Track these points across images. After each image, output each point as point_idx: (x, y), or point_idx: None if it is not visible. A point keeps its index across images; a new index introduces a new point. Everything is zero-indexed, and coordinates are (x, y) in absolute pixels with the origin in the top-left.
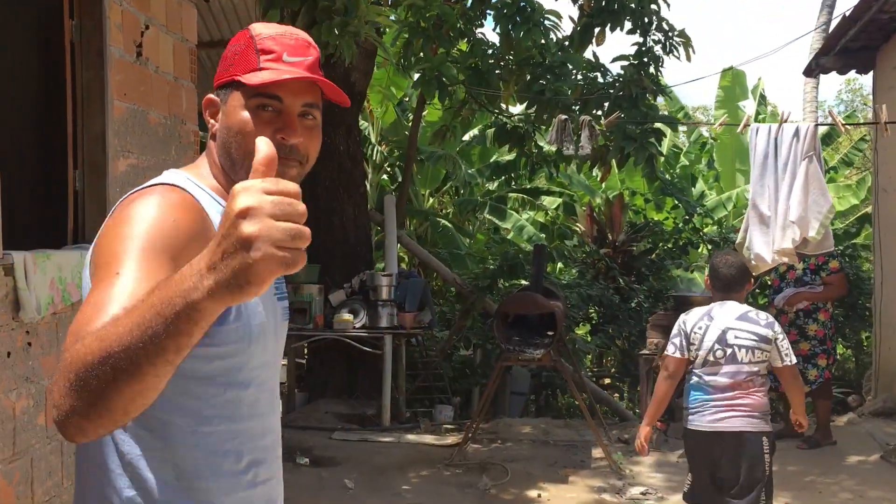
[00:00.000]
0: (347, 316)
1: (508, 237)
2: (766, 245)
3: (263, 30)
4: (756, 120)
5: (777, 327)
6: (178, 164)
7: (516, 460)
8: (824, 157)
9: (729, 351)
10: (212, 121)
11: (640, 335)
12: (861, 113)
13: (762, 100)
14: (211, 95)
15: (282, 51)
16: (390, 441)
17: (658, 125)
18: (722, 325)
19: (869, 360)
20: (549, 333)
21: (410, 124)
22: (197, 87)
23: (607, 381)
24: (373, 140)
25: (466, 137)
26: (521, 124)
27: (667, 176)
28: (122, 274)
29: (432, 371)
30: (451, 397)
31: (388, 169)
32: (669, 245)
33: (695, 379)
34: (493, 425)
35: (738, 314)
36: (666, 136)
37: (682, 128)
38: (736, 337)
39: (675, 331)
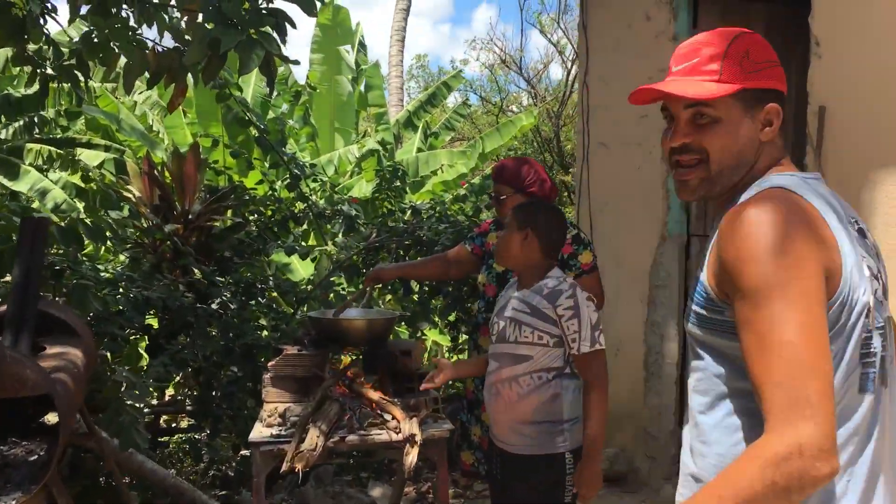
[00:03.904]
0: None
1: (34, 205)
2: None
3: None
4: (357, 71)
5: None
6: None
7: None
8: (427, 122)
9: None
10: None
11: (226, 351)
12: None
13: (362, 48)
14: None
15: (672, 64)
16: None
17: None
18: None
19: None
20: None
21: None
22: None
23: (182, 422)
24: None
25: None
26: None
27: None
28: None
29: None
30: None
31: None
32: (267, 218)
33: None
34: None
35: None
36: (295, 28)
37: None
38: None
39: (595, 312)
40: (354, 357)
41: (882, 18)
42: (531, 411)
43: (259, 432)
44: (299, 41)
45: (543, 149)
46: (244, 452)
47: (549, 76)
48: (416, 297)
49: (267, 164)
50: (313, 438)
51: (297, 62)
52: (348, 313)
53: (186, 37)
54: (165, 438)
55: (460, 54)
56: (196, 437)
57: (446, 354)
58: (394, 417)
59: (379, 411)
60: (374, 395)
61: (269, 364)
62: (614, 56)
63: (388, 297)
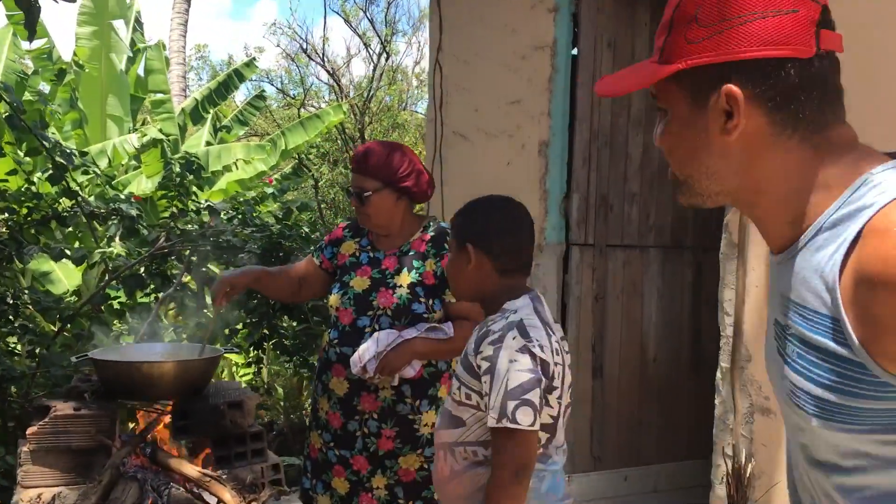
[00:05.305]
0: None
1: None
2: None
3: None
4: (133, 51)
5: None
6: None
7: None
8: (219, 113)
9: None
10: None
11: None
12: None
13: (138, 26)
14: None
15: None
16: None
17: None
18: (561, 340)
19: None
20: None
21: None
22: None
23: None
24: None
25: None
26: None
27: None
28: None
29: None
30: None
31: None
32: (22, 217)
33: (551, 465)
34: None
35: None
36: None
37: (25, 44)
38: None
39: (527, 372)
40: (159, 413)
41: None
42: (460, 499)
43: None
44: (64, 12)
45: (348, 147)
46: None
47: (351, 71)
48: (208, 311)
49: (22, 152)
50: None
51: None
52: (152, 349)
53: None
54: None
55: (251, 44)
56: None
57: (238, 371)
58: (220, 501)
59: (198, 490)
60: (191, 468)
61: (29, 431)
62: (478, 31)
63: (171, 308)
